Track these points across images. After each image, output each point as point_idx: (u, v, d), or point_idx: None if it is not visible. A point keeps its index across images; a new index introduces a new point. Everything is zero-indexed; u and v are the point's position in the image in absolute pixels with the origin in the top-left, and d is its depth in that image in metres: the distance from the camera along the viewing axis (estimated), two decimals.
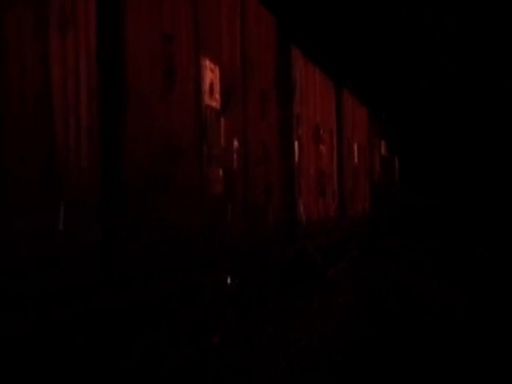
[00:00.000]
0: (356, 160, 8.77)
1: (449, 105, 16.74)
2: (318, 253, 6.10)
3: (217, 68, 3.69)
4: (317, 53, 6.61)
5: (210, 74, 3.59)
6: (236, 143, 3.99)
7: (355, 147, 8.74)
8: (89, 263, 2.36)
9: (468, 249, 8.91)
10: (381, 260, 7.98)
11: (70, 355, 2.30)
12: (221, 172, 3.73)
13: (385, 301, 5.10)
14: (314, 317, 4.37)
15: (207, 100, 3.56)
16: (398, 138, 15.48)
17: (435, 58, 15.93)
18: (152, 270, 2.73)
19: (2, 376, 1.94)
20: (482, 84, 15.47)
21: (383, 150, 12.78)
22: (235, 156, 3.99)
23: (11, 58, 2.05)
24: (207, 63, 3.56)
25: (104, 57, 2.57)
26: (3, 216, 1.97)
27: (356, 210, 8.82)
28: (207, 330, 3.46)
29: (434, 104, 17.10)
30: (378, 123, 12.09)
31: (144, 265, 2.69)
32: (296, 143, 5.42)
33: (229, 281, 3.76)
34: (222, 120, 3.78)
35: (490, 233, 10.84)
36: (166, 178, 2.96)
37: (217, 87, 3.69)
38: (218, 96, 3.70)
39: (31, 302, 2.07)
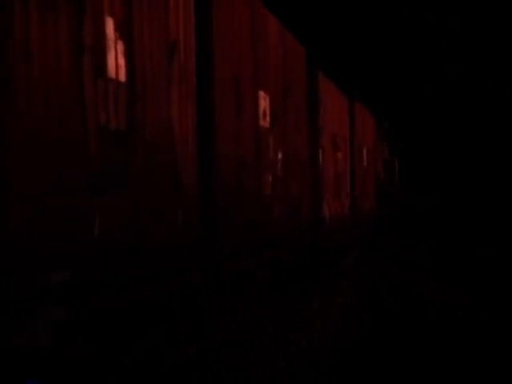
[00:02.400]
0: (365, 163, 9.78)
1: (450, 108, 17.51)
2: (335, 248, 7.07)
3: (267, 96, 4.67)
4: (333, 70, 7.60)
5: (263, 102, 4.58)
6: (280, 154, 4.98)
7: (364, 151, 9.74)
8: (194, 251, 3.36)
9: (468, 249, 8.92)
10: (381, 260, 8.06)
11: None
12: (270, 178, 4.72)
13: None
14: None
15: (261, 122, 4.55)
16: (398, 140, 16.33)
17: (439, 63, 16.76)
18: (232, 256, 3.75)
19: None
20: (484, 89, 16.23)
21: (385, 153, 13.76)
22: (279, 165, 4.97)
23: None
24: (262, 94, 4.54)
25: (200, 99, 3.55)
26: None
27: (365, 207, 9.83)
28: (261, 298, 4.43)
29: (435, 107, 17.91)
30: (382, 127, 13.03)
31: (230, 252, 3.70)
32: (320, 152, 6.41)
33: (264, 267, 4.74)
34: (271, 137, 4.76)
35: (489, 233, 10.84)
36: (239, 187, 3.95)
37: (267, 111, 4.67)
38: (268, 118, 4.68)
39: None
